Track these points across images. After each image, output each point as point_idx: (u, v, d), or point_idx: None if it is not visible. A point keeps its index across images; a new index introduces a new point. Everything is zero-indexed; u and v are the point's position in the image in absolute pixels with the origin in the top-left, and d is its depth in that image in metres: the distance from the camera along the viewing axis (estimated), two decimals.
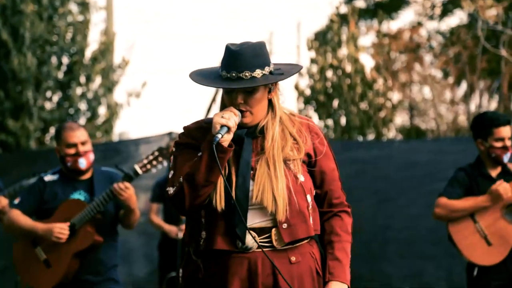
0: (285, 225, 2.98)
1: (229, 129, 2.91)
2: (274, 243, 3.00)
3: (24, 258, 5.05)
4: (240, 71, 2.96)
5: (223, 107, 3.06)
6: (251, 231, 2.97)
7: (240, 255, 2.99)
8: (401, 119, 19.80)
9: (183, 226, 6.85)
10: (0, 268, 8.70)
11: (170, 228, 7.11)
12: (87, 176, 5.08)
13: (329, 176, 3.14)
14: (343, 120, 14.57)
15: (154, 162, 4.93)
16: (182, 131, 3.12)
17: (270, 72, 3.02)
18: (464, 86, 18.63)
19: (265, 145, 3.02)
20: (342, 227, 3.15)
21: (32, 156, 10.70)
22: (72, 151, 4.96)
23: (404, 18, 43.37)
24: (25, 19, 12.63)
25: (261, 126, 3.05)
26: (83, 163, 4.97)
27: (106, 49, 13.74)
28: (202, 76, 3.07)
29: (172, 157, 3.10)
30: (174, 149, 3.10)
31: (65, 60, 13.52)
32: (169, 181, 3.03)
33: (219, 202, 2.96)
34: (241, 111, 3.00)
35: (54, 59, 13.27)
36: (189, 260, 3.10)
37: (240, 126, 3.02)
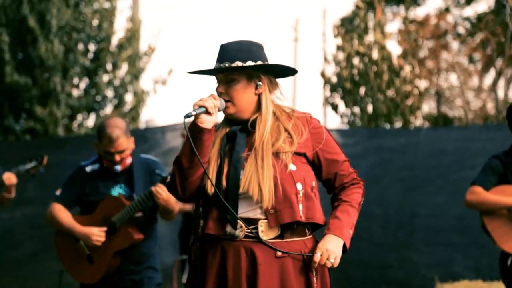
0: (272, 211, 3.11)
1: (206, 109, 3.08)
2: (260, 234, 3.11)
3: (68, 251, 5.09)
4: (221, 62, 3.18)
5: None
6: (240, 219, 3.10)
7: (229, 242, 3.13)
8: (428, 106, 19.68)
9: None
10: (30, 254, 8.78)
11: (191, 206, 7.16)
12: (126, 166, 5.09)
13: (335, 161, 3.27)
14: (369, 108, 14.50)
15: None
16: None
17: (238, 66, 3.17)
18: (492, 73, 18.47)
19: (255, 140, 3.16)
20: (349, 195, 3.27)
21: (60, 142, 10.76)
22: (109, 157, 4.98)
23: (431, 4, 43.07)
24: (52, 6, 12.69)
25: (251, 121, 3.20)
26: (117, 168, 5.01)
27: (132, 36, 13.78)
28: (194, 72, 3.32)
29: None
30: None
31: (92, 47, 13.58)
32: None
33: (209, 188, 3.12)
34: (225, 101, 3.18)
35: (80, 46, 13.33)
36: (199, 246, 3.25)
37: (231, 120, 3.23)
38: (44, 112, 12.63)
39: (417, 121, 15.15)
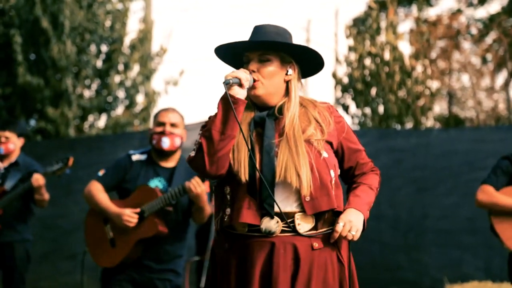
0: (308, 198, 3.02)
1: (239, 81, 3.00)
2: (297, 228, 3.03)
3: (94, 231, 5.14)
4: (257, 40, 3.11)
5: None
6: (282, 213, 3.00)
7: (263, 239, 3.02)
8: (439, 107, 19.63)
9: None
10: (40, 254, 8.81)
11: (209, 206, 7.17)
12: (171, 163, 5.13)
13: (356, 150, 3.25)
14: (381, 109, 14.46)
15: None
16: (209, 118, 3.16)
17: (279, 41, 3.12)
18: (504, 73, 18.41)
19: (286, 126, 3.09)
20: (367, 180, 3.26)
21: (71, 143, 10.80)
22: (159, 129, 5.04)
23: (443, 5, 42.95)
24: (65, 7, 12.75)
25: (278, 107, 3.13)
26: (166, 142, 5.03)
27: (144, 37, 13.83)
28: (222, 46, 3.20)
29: (198, 136, 3.12)
30: (200, 132, 3.12)
31: (104, 48, 13.64)
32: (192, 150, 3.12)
33: (243, 173, 3.01)
34: (254, 80, 3.10)
35: (93, 47, 13.38)
36: (219, 238, 3.15)
37: (255, 105, 3.14)
38: (56, 113, 12.68)
39: (429, 122, 15.11)
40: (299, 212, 3.04)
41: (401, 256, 8.67)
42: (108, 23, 13.54)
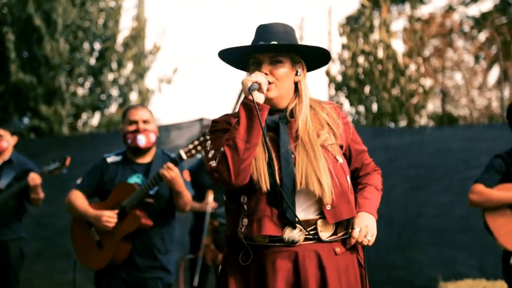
0: (329, 207, 2.96)
1: (260, 86, 2.93)
2: (320, 235, 2.97)
3: (80, 237, 5.15)
4: (267, 41, 3.03)
5: None
6: (302, 224, 2.93)
7: (285, 248, 2.95)
8: (433, 105, 19.66)
9: (209, 199, 6.95)
10: (34, 253, 8.80)
11: (202, 205, 7.17)
12: (147, 159, 5.15)
13: (362, 151, 3.21)
14: (374, 107, 14.47)
15: (199, 147, 4.95)
16: (216, 121, 3.09)
17: (292, 44, 3.07)
18: (497, 71, 18.46)
19: (299, 129, 3.01)
20: (372, 180, 3.22)
21: (65, 141, 10.78)
22: (132, 127, 5.07)
23: (436, 3, 43.02)
24: (58, 5, 12.71)
25: (290, 109, 3.06)
26: (142, 140, 5.06)
27: (137, 35, 13.81)
28: (230, 49, 3.11)
29: (208, 142, 3.04)
30: (209, 136, 3.06)
31: (97, 46, 13.61)
32: (209, 159, 2.97)
33: (264, 182, 2.91)
34: (268, 83, 3.01)
35: (86, 45, 13.35)
36: (232, 249, 3.06)
37: (270, 108, 3.01)
38: (49, 110, 12.66)
39: (422, 120, 15.12)
40: (320, 218, 2.98)
41: (395, 255, 8.68)
42: (101, 21, 13.51)
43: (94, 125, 13.63)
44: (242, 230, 2.96)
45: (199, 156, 5.03)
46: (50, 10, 12.77)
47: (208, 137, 3.06)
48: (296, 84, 3.09)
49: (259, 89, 2.93)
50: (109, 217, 4.93)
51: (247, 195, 2.96)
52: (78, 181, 5.18)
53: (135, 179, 5.05)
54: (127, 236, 4.96)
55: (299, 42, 3.12)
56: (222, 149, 2.90)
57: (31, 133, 12.86)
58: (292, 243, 2.94)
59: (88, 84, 13.54)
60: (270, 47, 3.02)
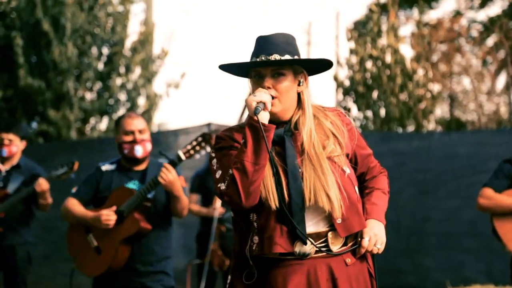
0: (339, 220, 2.94)
1: (264, 105, 2.89)
2: (331, 247, 2.96)
3: (77, 244, 5.14)
4: (269, 54, 2.96)
5: None
6: (311, 241, 2.92)
7: (297, 261, 2.94)
8: (441, 110, 19.63)
9: (216, 205, 6.94)
10: (41, 256, 8.81)
11: (209, 210, 7.17)
12: (142, 167, 5.14)
13: (367, 155, 3.18)
14: (382, 112, 14.47)
15: (198, 148, 4.94)
16: (220, 137, 3.05)
17: (298, 59, 3.02)
18: (505, 76, 18.42)
19: (304, 143, 2.98)
20: (379, 184, 3.18)
21: (73, 146, 10.80)
22: (129, 138, 5.04)
23: (445, 7, 42.99)
24: (66, 9, 12.75)
25: (294, 122, 3.02)
26: (139, 150, 5.05)
27: (145, 39, 13.83)
28: (231, 65, 3.07)
29: (214, 160, 3.02)
30: (214, 154, 3.03)
31: (105, 50, 13.64)
32: (217, 180, 2.95)
33: (273, 200, 2.89)
34: (271, 98, 2.97)
35: (94, 50, 13.39)
36: (240, 266, 3.04)
37: (272, 120, 2.98)
38: (57, 115, 12.69)
39: (430, 125, 15.11)
40: (330, 230, 2.97)
41: (403, 260, 8.66)
42: (109, 26, 13.54)
43: (102, 130, 13.66)
44: (254, 247, 2.95)
45: (197, 156, 5.00)
46: (58, 14, 12.81)
47: (213, 155, 3.03)
48: (298, 94, 3.04)
49: (264, 108, 2.90)
50: (108, 215, 4.89)
51: (256, 213, 2.95)
52: (74, 190, 5.17)
53: (131, 186, 5.04)
54: (126, 240, 4.94)
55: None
56: (230, 171, 2.88)
57: (39, 138, 12.89)
58: (304, 256, 2.93)
59: (96, 88, 13.57)
60: (273, 63, 2.97)
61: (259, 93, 2.92)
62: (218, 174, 2.97)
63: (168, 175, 4.84)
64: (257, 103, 2.88)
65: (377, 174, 3.21)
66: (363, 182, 3.19)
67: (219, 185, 2.92)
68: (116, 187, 5.03)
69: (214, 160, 3.01)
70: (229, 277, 3.10)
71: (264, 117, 2.90)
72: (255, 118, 2.86)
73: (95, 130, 13.65)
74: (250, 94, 3.00)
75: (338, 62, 15.36)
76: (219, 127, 8.87)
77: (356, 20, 19.63)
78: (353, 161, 3.13)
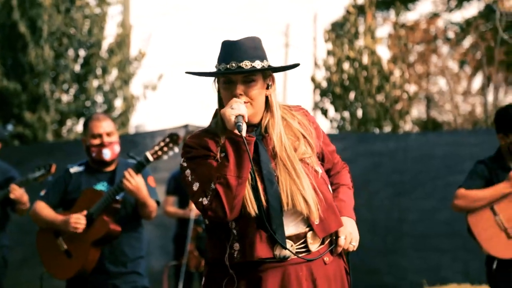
0: (317, 221, 2.97)
1: (243, 117, 2.87)
2: (310, 247, 2.98)
3: (47, 248, 5.11)
4: (239, 61, 2.93)
5: (221, 105, 3.02)
6: (289, 250, 2.93)
7: (278, 264, 2.95)
8: (417, 111, 19.73)
9: (192, 206, 6.94)
10: (19, 259, 8.75)
11: (185, 212, 7.19)
12: (111, 168, 5.11)
13: (332, 151, 3.21)
14: (359, 113, 14.53)
15: (165, 149, 4.91)
16: (190, 146, 3.01)
17: (269, 66, 3.02)
18: (480, 77, 18.55)
19: (276, 146, 2.98)
20: (343, 179, 3.22)
21: (49, 148, 10.74)
22: (97, 141, 5.00)
23: (421, 9, 43.22)
24: (43, 12, 12.69)
25: (264, 125, 3.02)
26: (107, 154, 5.01)
27: (122, 41, 13.80)
28: (203, 73, 3.05)
29: (188, 171, 2.97)
30: (186, 164, 2.99)
31: (82, 52, 13.60)
32: (196, 193, 2.92)
33: (251, 207, 2.90)
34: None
35: (71, 52, 13.34)
36: (216, 273, 3.02)
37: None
38: (33, 117, 12.63)
39: (407, 126, 15.20)
40: (309, 230, 2.99)
41: (379, 260, 8.69)
42: (86, 28, 13.50)
43: (79, 132, 13.61)
44: (235, 255, 2.94)
45: (165, 157, 4.98)
46: (35, 17, 12.76)
47: (185, 164, 2.99)
48: (266, 97, 3.04)
49: (243, 120, 2.88)
50: (77, 218, 4.86)
51: (234, 221, 2.93)
52: (42, 193, 5.13)
53: (100, 187, 5.01)
54: (96, 243, 4.91)
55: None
56: (213, 186, 2.87)
57: (15, 140, 12.82)
58: (284, 259, 2.95)
59: (72, 90, 13.51)
60: (247, 71, 2.95)
61: (236, 105, 2.90)
62: (195, 186, 2.93)
63: (131, 181, 4.81)
64: (236, 117, 2.87)
65: (340, 170, 3.24)
66: (330, 177, 3.21)
67: (200, 200, 2.90)
68: (85, 189, 5.00)
69: (188, 171, 2.97)
70: (203, 283, 3.09)
71: (243, 129, 2.87)
72: (237, 133, 2.85)
73: (71, 132, 13.60)
74: (220, 100, 3.00)
75: (315, 64, 15.40)
76: (196, 129, 8.87)
77: (333, 22, 19.69)
78: (321, 158, 3.14)
